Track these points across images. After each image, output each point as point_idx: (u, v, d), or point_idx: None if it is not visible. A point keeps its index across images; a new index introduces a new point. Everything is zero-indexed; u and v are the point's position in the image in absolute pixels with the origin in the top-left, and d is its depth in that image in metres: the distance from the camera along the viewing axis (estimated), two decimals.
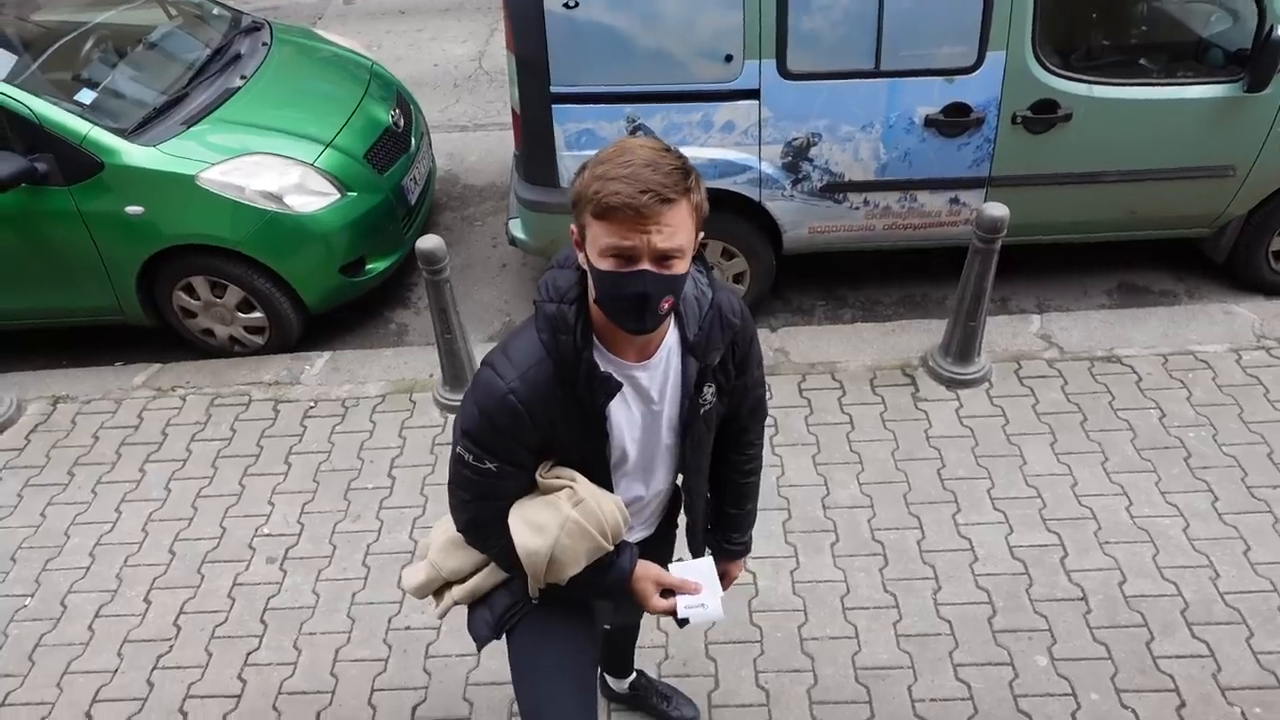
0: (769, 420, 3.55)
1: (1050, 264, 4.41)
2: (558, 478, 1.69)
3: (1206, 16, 3.85)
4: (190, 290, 4.03)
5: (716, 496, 2.02)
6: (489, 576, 1.86)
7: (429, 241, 3.35)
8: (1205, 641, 2.78)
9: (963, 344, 3.63)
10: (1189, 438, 3.42)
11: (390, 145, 4.33)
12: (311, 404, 3.85)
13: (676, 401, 1.69)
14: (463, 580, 1.88)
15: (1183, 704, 2.63)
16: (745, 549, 2.06)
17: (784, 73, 3.49)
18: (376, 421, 3.75)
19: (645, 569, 1.78)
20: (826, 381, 3.78)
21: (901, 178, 3.74)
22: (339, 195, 4.00)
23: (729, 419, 1.86)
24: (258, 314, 4.08)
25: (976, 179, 3.75)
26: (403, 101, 4.65)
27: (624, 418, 1.66)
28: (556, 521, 1.64)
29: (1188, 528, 3.10)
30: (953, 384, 3.68)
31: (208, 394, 3.94)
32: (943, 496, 3.28)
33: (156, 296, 4.07)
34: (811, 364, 3.85)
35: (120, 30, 4.41)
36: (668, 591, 1.78)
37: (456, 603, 1.90)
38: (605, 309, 1.50)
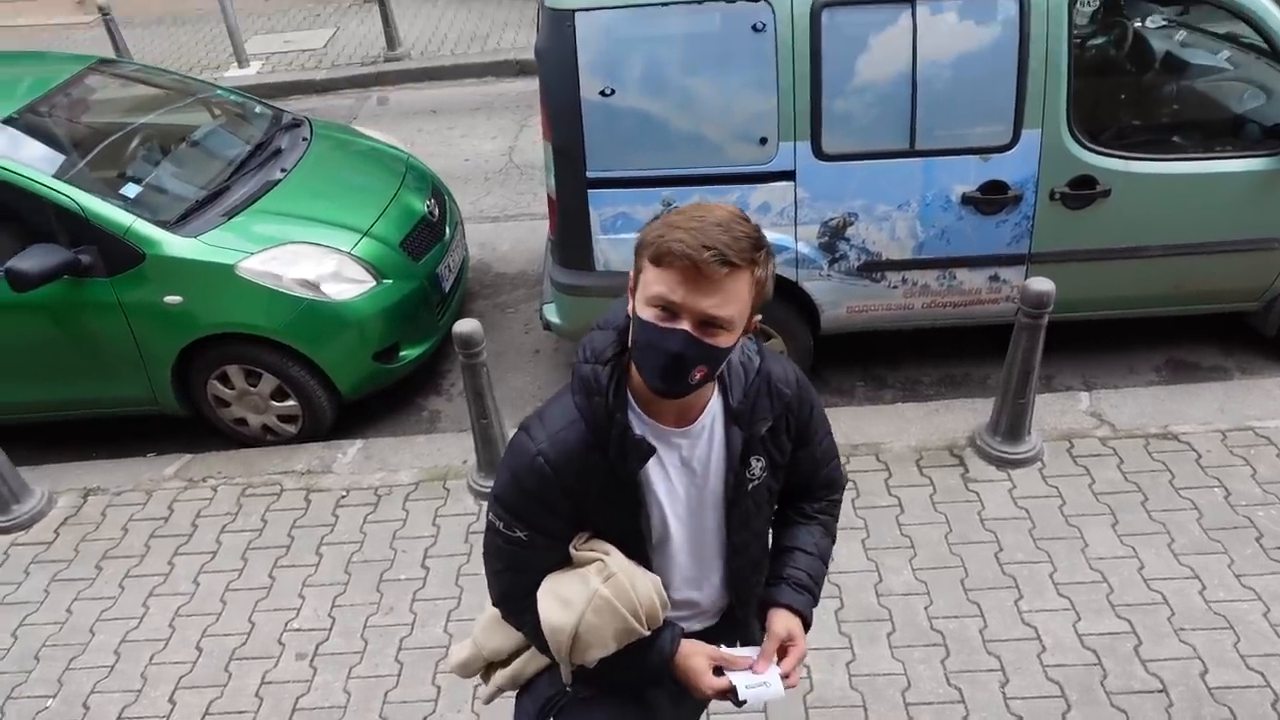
0: None
1: (1095, 341, 4.33)
2: (591, 550, 1.58)
3: (1239, 93, 3.86)
4: (225, 379, 4.02)
5: (778, 546, 1.79)
6: (532, 660, 1.74)
7: (466, 325, 3.32)
8: None
9: (1012, 422, 3.52)
10: (1259, 517, 3.26)
11: (425, 234, 4.37)
12: (344, 493, 3.78)
13: (721, 475, 1.58)
14: (505, 662, 1.77)
15: None
16: (808, 601, 1.71)
17: (819, 154, 3.50)
18: (409, 510, 3.66)
19: (692, 647, 1.63)
20: (871, 463, 3.67)
21: (940, 256, 3.71)
22: (374, 283, 4.02)
23: (798, 493, 1.75)
24: (291, 402, 4.05)
25: (1016, 256, 3.71)
26: (438, 192, 4.72)
27: (664, 489, 1.56)
28: (584, 596, 1.53)
29: (1268, 613, 2.92)
30: (1003, 464, 3.56)
31: (239, 484, 3.87)
32: (1002, 582, 3.13)
33: (191, 386, 4.05)
34: (854, 445, 3.74)
35: (165, 130, 4.54)
36: (718, 670, 1.62)
37: (500, 689, 1.78)
38: (637, 361, 1.43)
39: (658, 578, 1.59)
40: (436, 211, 4.54)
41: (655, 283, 1.35)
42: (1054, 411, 3.80)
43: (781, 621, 1.65)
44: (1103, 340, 4.35)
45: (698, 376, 1.40)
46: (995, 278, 3.78)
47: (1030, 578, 3.13)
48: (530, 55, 8.25)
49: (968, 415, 3.82)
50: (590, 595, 1.53)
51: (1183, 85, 4.02)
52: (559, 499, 1.52)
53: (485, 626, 1.80)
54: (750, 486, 1.60)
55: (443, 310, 4.43)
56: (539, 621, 1.58)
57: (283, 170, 4.30)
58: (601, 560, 1.56)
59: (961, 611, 3.04)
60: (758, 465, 1.60)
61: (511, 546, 1.57)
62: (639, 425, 1.50)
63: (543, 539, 1.57)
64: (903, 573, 3.20)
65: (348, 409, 4.25)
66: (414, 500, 3.71)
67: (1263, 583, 3.03)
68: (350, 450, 4.01)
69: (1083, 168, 3.52)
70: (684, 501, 1.58)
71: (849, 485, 3.55)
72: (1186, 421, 3.69)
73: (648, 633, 1.57)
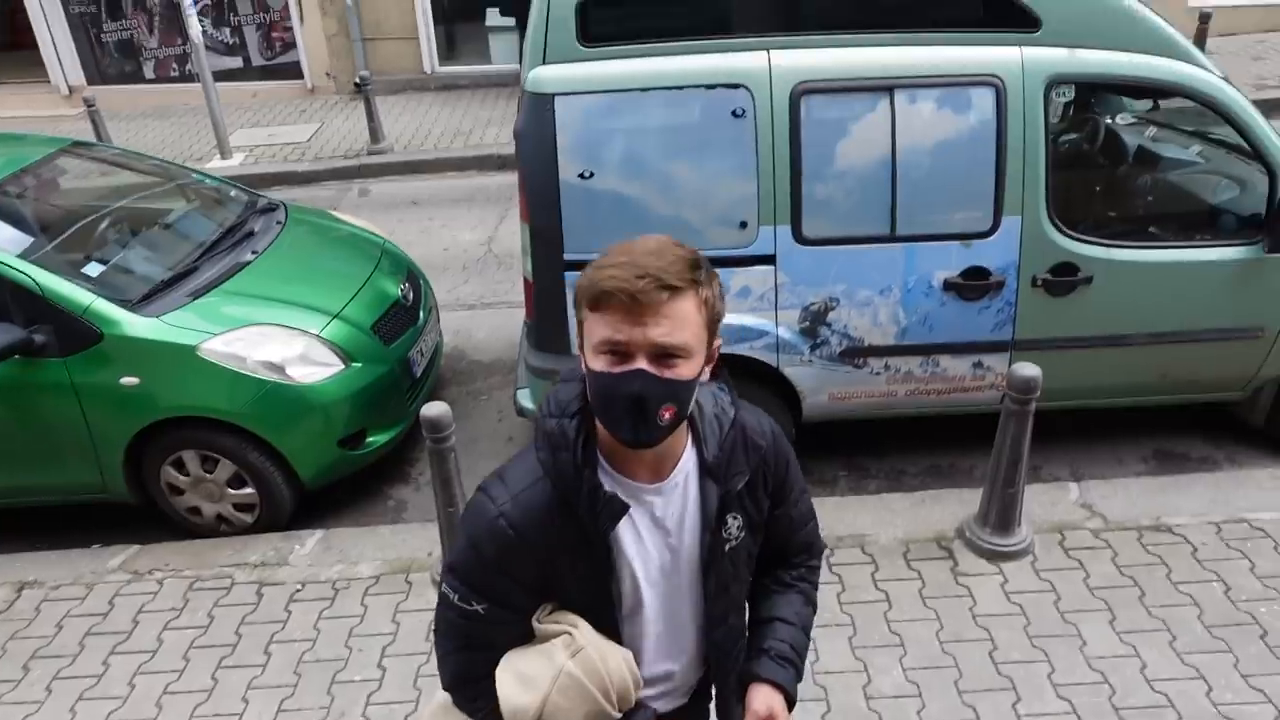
0: None
1: (1081, 431, 4.24)
2: (556, 623, 1.43)
3: (1213, 185, 3.91)
4: (179, 465, 3.83)
5: (755, 618, 1.66)
6: None
7: (434, 408, 3.19)
8: None
9: (1002, 513, 3.40)
10: (1261, 613, 3.11)
11: (398, 318, 4.27)
12: (299, 587, 3.55)
13: (696, 534, 1.45)
14: None
15: None
16: (791, 676, 1.57)
17: (799, 238, 3.47)
18: (368, 605, 3.44)
19: None
20: (856, 555, 3.51)
21: (923, 342, 3.65)
22: (343, 366, 3.89)
23: (774, 559, 1.62)
24: (249, 490, 3.86)
25: (1000, 342, 3.66)
26: (413, 276, 4.65)
27: (635, 551, 1.42)
28: (549, 674, 1.39)
29: (1279, 717, 2.76)
30: (994, 556, 3.41)
31: (187, 577, 3.64)
32: (998, 683, 2.94)
33: (143, 472, 3.85)
34: (839, 537, 3.59)
35: (136, 212, 4.48)
36: None
37: None
38: (599, 415, 1.33)
39: (629, 653, 1.45)
40: (411, 295, 4.46)
41: (598, 327, 1.28)
42: (1043, 502, 3.68)
43: (762, 698, 1.52)
44: (1089, 430, 4.27)
45: (666, 417, 1.29)
46: (979, 365, 3.72)
47: (1028, 678, 2.95)
48: (512, 150, 8.42)
49: (955, 506, 3.69)
50: (556, 673, 1.38)
51: (1157, 177, 4.07)
52: (522, 566, 1.38)
53: (432, 715, 1.62)
54: (728, 548, 1.48)
55: (413, 396, 4.29)
56: (497, 707, 1.42)
57: (254, 252, 4.21)
58: (569, 633, 1.41)
59: (957, 716, 2.84)
60: (735, 524, 1.47)
61: (467, 622, 1.42)
62: (609, 482, 1.38)
63: (503, 612, 1.42)
64: (893, 673, 3.00)
65: (309, 498, 4.05)
66: (374, 595, 3.49)
67: (1271, 683, 2.86)
68: (309, 541, 3.79)
69: (1063, 254, 3.50)
70: (657, 564, 1.45)
71: (834, 580, 3.38)
72: (1179, 513, 3.58)
73: (618, 715, 1.42)
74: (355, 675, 3.13)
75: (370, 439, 4.04)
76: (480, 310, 5.94)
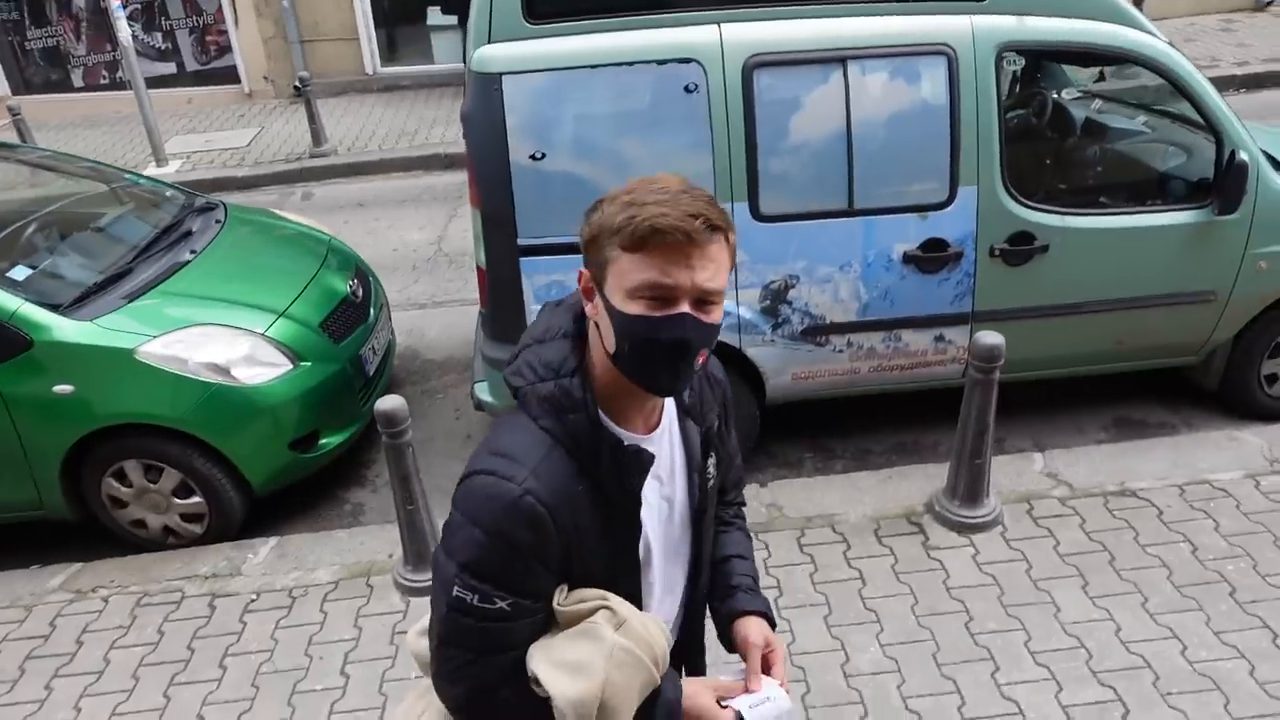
0: (771, 580, 3.24)
1: (1042, 402, 4.26)
2: (582, 600, 1.32)
3: (1161, 153, 3.94)
4: (121, 477, 3.64)
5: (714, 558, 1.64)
6: None
7: (389, 402, 3.08)
8: None
9: (970, 485, 3.38)
10: (1229, 570, 3.13)
11: (348, 315, 4.13)
12: (253, 597, 3.40)
13: (684, 477, 1.42)
14: None
15: None
16: (766, 604, 1.59)
17: (757, 215, 3.42)
18: (328, 612, 3.30)
19: (694, 686, 1.42)
20: (827, 535, 3.46)
21: (884, 317, 3.62)
22: (291, 366, 3.74)
23: (721, 489, 1.60)
24: (196, 499, 3.69)
25: (960, 315, 3.64)
26: (361, 273, 4.51)
27: (653, 506, 1.38)
28: (601, 653, 1.26)
29: (1254, 670, 2.76)
30: (964, 529, 3.39)
31: (133, 593, 3.46)
32: (976, 654, 2.91)
33: (83, 486, 3.66)
34: (808, 518, 3.54)
35: (66, 214, 4.28)
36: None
37: None
38: (630, 364, 1.23)
39: (659, 617, 1.39)
40: (360, 292, 4.32)
41: (638, 270, 1.18)
42: (1009, 473, 3.68)
43: (756, 629, 1.51)
44: (1050, 401, 4.29)
45: (700, 362, 1.26)
46: (940, 338, 3.70)
47: (1005, 648, 2.92)
48: (459, 149, 8.27)
49: (923, 481, 3.67)
50: (610, 650, 1.27)
51: (1106, 147, 4.10)
52: (552, 546, 1.26)
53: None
54: (709, 486, 1.46)
55: (367, 395, 4.15)
56: (518, 713, 1.31)
57: (192, 252, 4.04)
58: (606, 607, 1.30)
59: (937, 689, 2.80)
60: (711, 463, 1.45)
61: (490, 623, 1.26)
62: (620, 436, 1.32)
63: (530, 603, 1.28)
64: (870, 650, 2.96)
65: (260, 505, 3.89)
66: (333, 601, 3.35)
67: (1243, 639, 2.87)
68: (262, 550, 3.64)
69: (1020, 224, 3.50)
70: (659, 516, 1.40)
71: (807, 560, 3.34)
72: (1142, 478, 3.60)
73: (660, 680, 1.33)
74: (316, 684, 3.00)
75: (323, 441, 3.89)
76: (432, 309, 5.81)
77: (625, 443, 1.28)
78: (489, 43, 3.27)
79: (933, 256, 3.52)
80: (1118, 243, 3.59)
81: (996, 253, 3.54)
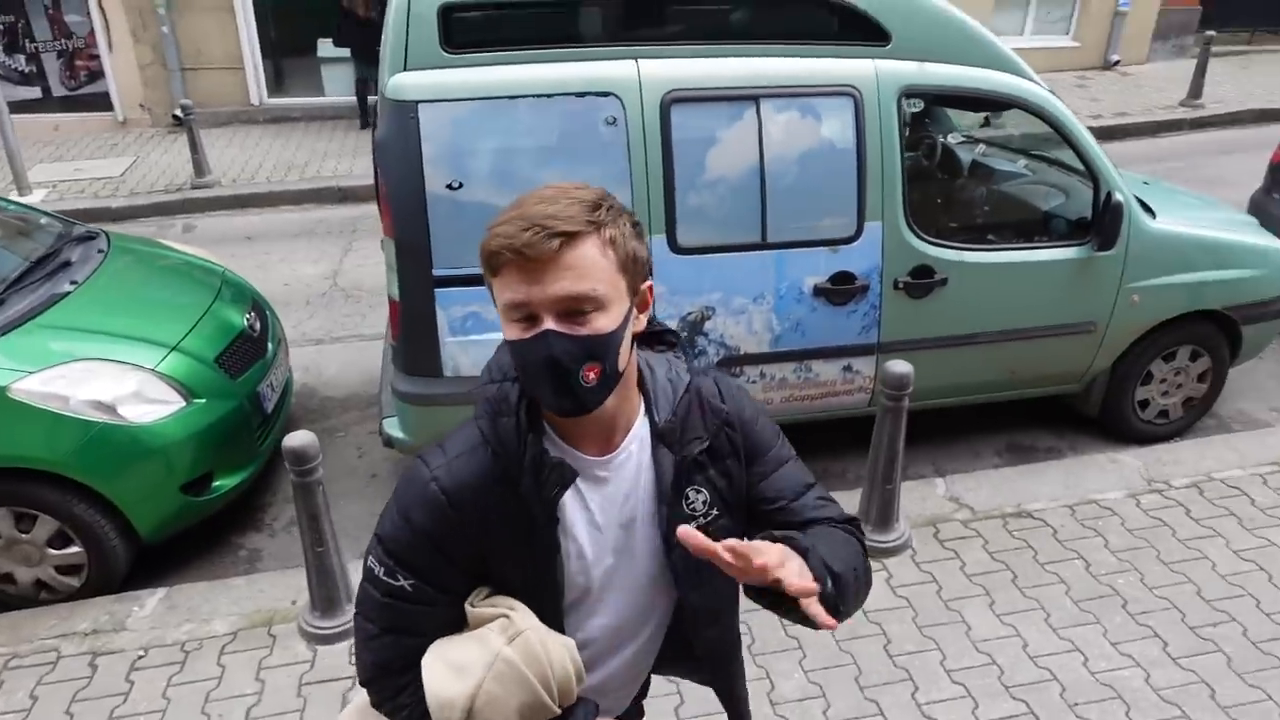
0: None
1: (940, 430, 4.44)
2: (492, 606, 1.30)
3: (1043, 194, 4.22)
4: None
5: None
6: None
7: (298, 438, 2.94)
8: None
9: (882, 510, 3.48)
10: (1120, 584, 3.32)
11: (245, 350, 3.93)
12: (141, 653, 3.15)
13: (652, 507, 1.32)
14: None
15: None
16: (818, 555, 1.20)
17: (675, 247, 3.46)
18: (226, 665, 3.09)
19: None
20: None
21: (796, 348, 3.71)
22: (184, 402, 3.52)
23: (785, 521, 1.38)
24: (75, 549, 3.40)
25: (867, 345, 3.77)
26: (258, 306, 4.31)
27: (584, 529, 1.30)
28: (483, 660, 1.25)
29: (1149, 678, 2.92)
30: (877, 553, 3.48)
31: (1, 655, 3.15)
32: (896, 675, 2.98)
33: None
34: None
35: None
36: None
37: None
38: (525, 385, 1.23)
39: (571, 641, 1.32)
40: (258, 326, 4.12)
41: (500, 293, 1.18)
42: (914, 498, 3.81)
43: (794, 563, 1.14)
44: (947, 429, 4.47)
45: (591, 377, 1.18)
46: (849, 368, 3.82)
47: (922, 668, 3.00)
48: (354, 182, 8.07)
49: None
50: (492, 658, 1.24)
51: (994, 187, 4.36)
52: (454, 539, 1.26)
53: None
54: (695, 525, 1.30)
55: (265, 434, 3.95)
56: (418, 703, 1.28)
57: (73, 283, 3.77)
58: (506, 616, 1.28)
59: (861, 711, 2.84)
60: (699, 498, 1.34)
61: (392, 600, 1.29)
62: (554, 451, 1.27)
63: (431, 591, 1.28)
64: (794, 676, 2.98)
65: (146, 554, 3.63)
66: (231, 653, 3.14)
67: (1137, 648, 3.04)
68: (149, 601, 3.38)
69: (921, 258, 3.67)
70: (610, 545, 1.33)
71: None
72: (1037, 499, 3.79)
73: (558, 710, 1.29)
74: None
75: (217, 483, 3.66)
76: (329, 345, 5.60)
77: (550, 453, 1.25)
78: (405, 70, 3.22)
79: (841, 289, 3.64)
80: (1009, 276, 3.80)
81: (900, 285, 3.69)
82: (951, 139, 4.69)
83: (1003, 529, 3.63)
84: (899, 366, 3.20)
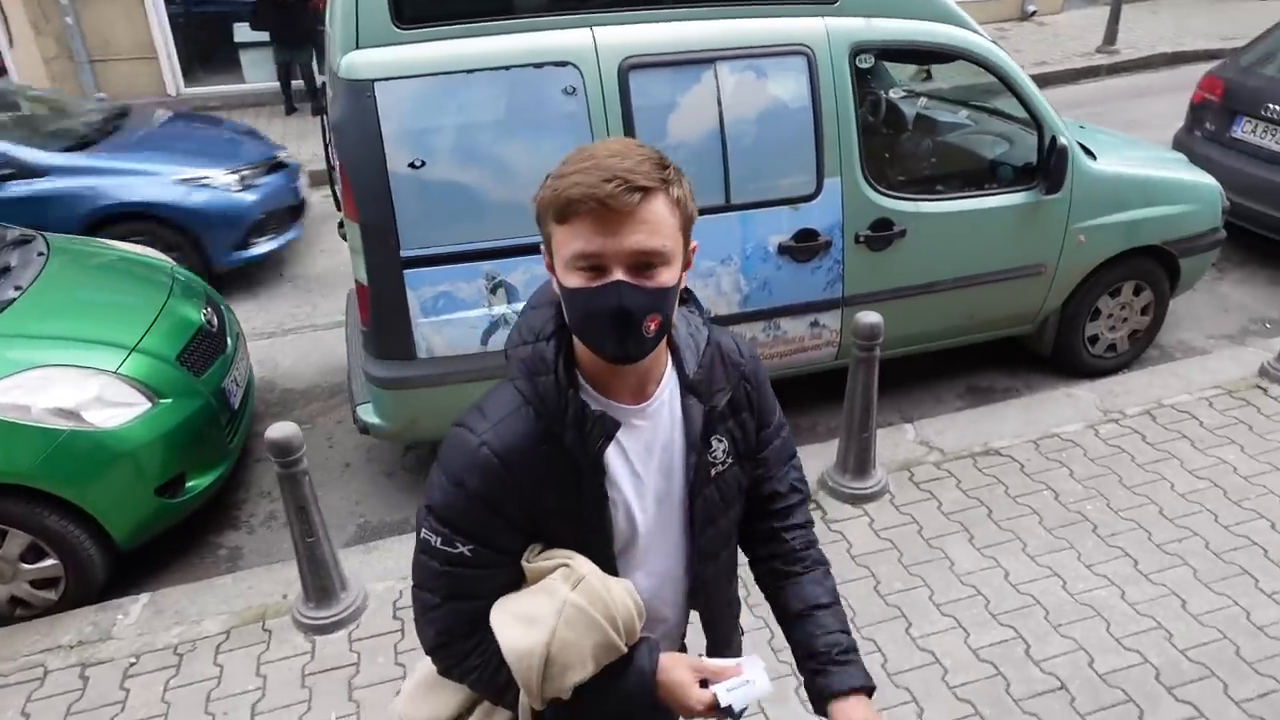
0: None
1: (902, 378, 4.57)
2: (548, 559, 1.34)
3: (988, 143, 4.34)
4: None
5: (789, 616, 1.54)
6: None
7: (281, 430, 2.89)
8: (1190, 703, 2.69)
9: (859, 458, 3.58)
10: (1088, 510, 3.49)
11: (205, 346, 3.83)
12: (132, 660, 3.08)
13: (682, 456, 1.39)
14: None
15: None
16: (862, 672, 1.47)
17: None
18: (223, 665, 3.05)
19: (673, 659, 1.39)
20: None
21: (764, 307, 3.77)
22: (150, 404, 3.43)
23: (766, 498, 1.55)
24: (50, 561, 3.30)
25: (832, 300, 3.85)
26: (212, 301, 4.19)
27: (628, 479, 1.35)
28: (552, 608, 1.29)
29: (1124, 594, 3.09)
30: (857, 500, 3.59)
31: None
32: (889, 613, 3.09)
33: None
34: None
35: None
36: (703, 683, 1.40)
37: None
38: (581, 334, 1.25)
39: (629, 582, 1.36)
40: (215, 321, 4.02)
41: (568, 241, 1.19)
42: (887, 445, 3.92)
43: (859, 711, 1.42)
44: (909, 376, 4.60)
45: (652, 328, 1.22)
46: (816, 323, 3.90)
47: (913, 604, 3.12)
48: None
49: (812, 460, 3.83)
50: (561, 606, 1.27)
51: (939, 139, 4.47)
52: (508, 500, 1.28)
53: (412, 697, 1.47)
54: (714, 472, 1.42)
55: (233, 431, 3.86)
56: (494, 662, 1.31)
57: (17, 288, 3.62)
58: (566, 565, 1.31)
59: (860, 650, 2.94)
60: (720, 448, 1.42)
61: (452, 568, 1.30)
62: (594, 404, 1.30)
63: (490, 554, 1.31)
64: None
65: (123, 562, 3.54)
66: (228, 652, 3.09)
67: (1110, 568, 3.21)
68: (134, 608, 3.30)
69: (880, 211, 3.75)
70: (651, 493, 1.38)
71: None
72: (1002, 437, 3.94)
73: (625, 648, 1.33)
74: None
75: (191, 483, 3.58)
76: (281, 337, 5.49)
77: (592, 407, 1.28)
78: (357, 49, 3.15)
79: (805, 246, 3.71)
80: (963, 224, 3.92)
81: (861, 239, 3.77)
82: (894, 94, 4.78)
83: (973, 468, 3.77)
84: (869, 317, 3.29)
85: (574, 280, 1.20)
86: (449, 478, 1.29)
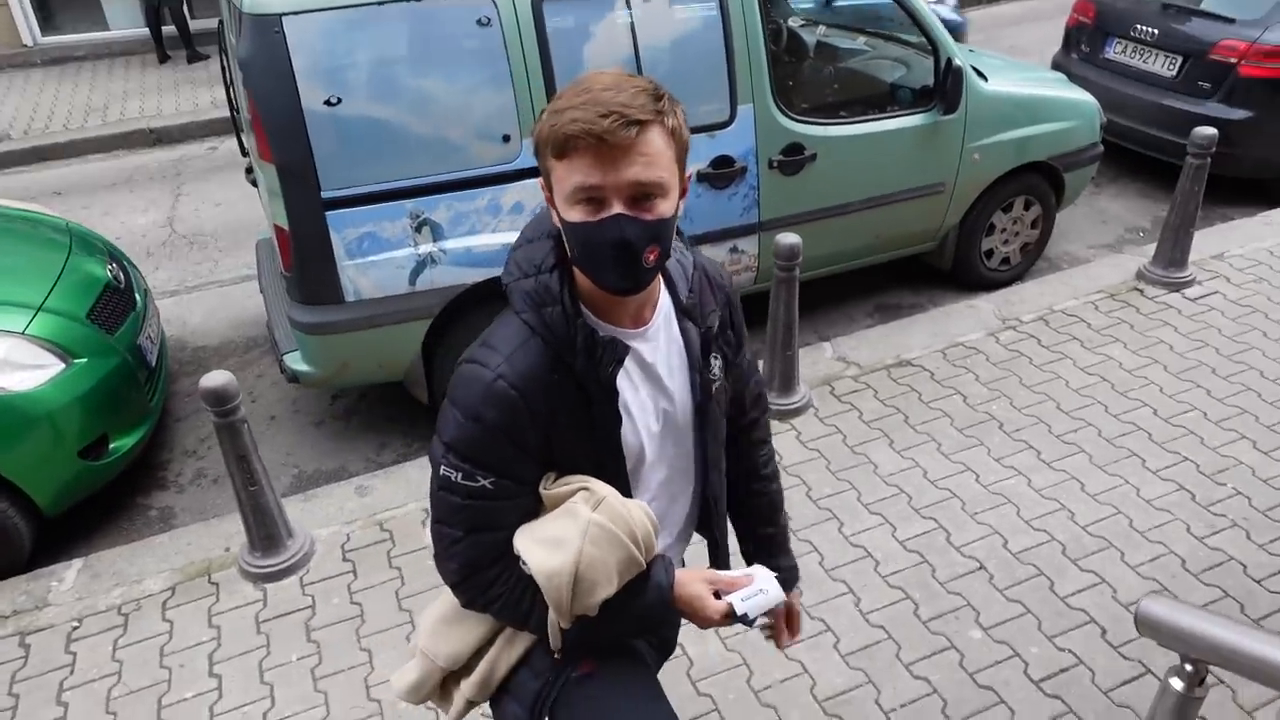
0: None
1: (817, 300, 4.76)
2: (566, 484, 1.40)
3: (887, 68, 4.50)
4: None
5: (745, 522, 1.75)
6: (503, 654, 1.49)
7: (215, 378, 2.83)
8: (1093, 571, 2.98)
9: (784, 376, 3.75)
10: (994, 410, 3.76)
11: (115, 303, 3.68)
12: (75, 624, 3.02)
13: (685, 376, 1.47)
14: (467, 667, 1.49)
15: (1104, 631, 2.78)
16: (796, 574, 1.78)
17: None
18: (173, 620, 3.02)
19: (688, 574, 1.48)
20: None
21: (686, 235, 3.85)
22: (63, 364, 3.30)
23: (736, 412, 1.66)
24: None
25: (749, 225, 3.98)
26: (115, 257, 4.01)
27: (634, 401, 1.41)
28: (577, 529, 1.34)
29: (1030, 482, 3.37)
30: (785, 415, 3.76)
31: None
32: (821, 516, 3.29)
33: None
34: None
35: None
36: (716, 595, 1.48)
37: (471, 702, 1.50)
38: (583, 266, 1.30)
39: (643, 502, 1.43)
40: (121, 276, 3.86)
41: (568, 175, 1.23)
42: (807, 363, 4.10)
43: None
44: (822, 297, 4.80)
45: (652, 259, 1.27)
46: (735, 249, 4.02)
47: (843, 506, 3.32)
48: (166, 122, 7.45)
49: None
50: (585, 525, 1.33)
51: (841, 65, 4.60)
52: (527, 430, 1.32)
53: (432, 632, 1.51)
54: (714, 388, 1.50)
55: (152, 389, 3.75)
56: (518, 590, 1.37)
57: None
58: (585, 488, 1.37)
59: (799, 551, 3.06)
60: (716, 364, 1.50)
61: (474, 501, 1.34)
62: (600, 329, 1.36)
63: (510, 484, 1.35)
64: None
65: (50, 528, 3.43)
66: (176, 607, 3.06)
67: (1016, 460, 3.49)
68: (68, 574, 3.21)
69: (791, 136, 3.87)
70: (654, 413, 1.45)
71: None
72: (912, 349, 4.18)
73: (645, 564, 1.41)
74: (186, 692, 2.75)
75: (115, 444, 3.48)
76: (185, 295, 5.29)
77: (600, 333, 1.33)
78: None
79: (722, 172, 3.80)
80: (869, 147, 4.08)
81: (774, 164, 3.89)
82: (794, 23, 4.89)
83: (888, 379, 4.00)
84: (789, 238, 3.42)
85: (574, 214, 1.24)
86: (465, 413, 1.31)
